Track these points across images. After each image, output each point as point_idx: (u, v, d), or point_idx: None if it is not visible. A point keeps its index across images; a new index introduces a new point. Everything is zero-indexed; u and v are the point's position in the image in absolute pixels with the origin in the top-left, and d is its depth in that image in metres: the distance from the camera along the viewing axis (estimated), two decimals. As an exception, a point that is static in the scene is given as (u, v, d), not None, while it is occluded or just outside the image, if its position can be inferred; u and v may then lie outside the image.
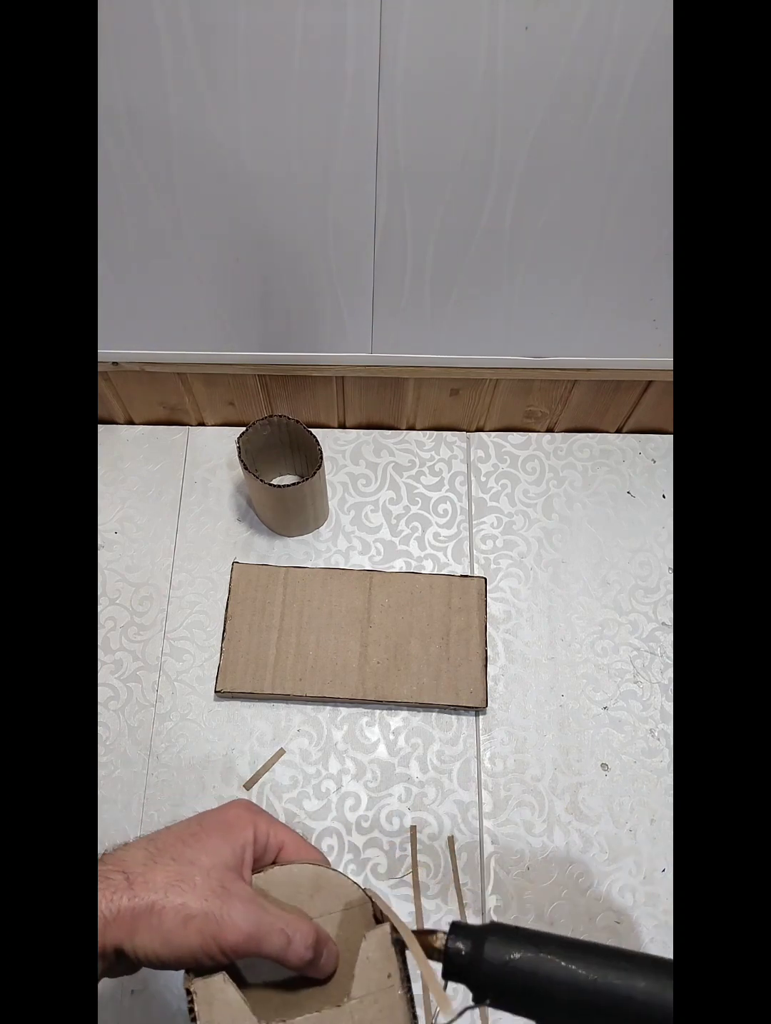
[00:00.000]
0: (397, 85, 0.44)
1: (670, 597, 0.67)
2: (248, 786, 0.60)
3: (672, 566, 0.69)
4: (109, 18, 0.41)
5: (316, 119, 0.46)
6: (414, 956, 0.34)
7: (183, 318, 0.61)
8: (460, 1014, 0.33)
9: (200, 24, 0.41)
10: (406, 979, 0.35)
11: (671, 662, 0.65)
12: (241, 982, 0.35)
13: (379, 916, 0.37)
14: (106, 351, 0.65)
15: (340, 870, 0.38)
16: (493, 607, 0.67)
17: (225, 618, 0.65)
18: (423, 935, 0.35)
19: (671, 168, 0.49)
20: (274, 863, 0.38)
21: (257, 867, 0.37)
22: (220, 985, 0.34)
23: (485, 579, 0.66)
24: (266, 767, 0.61)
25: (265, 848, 0.37)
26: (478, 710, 0.62)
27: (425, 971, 0.33)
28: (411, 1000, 0.35)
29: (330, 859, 0.58)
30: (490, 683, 0.64)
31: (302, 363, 0.66)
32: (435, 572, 0.68)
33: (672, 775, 0.61)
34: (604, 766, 0.61)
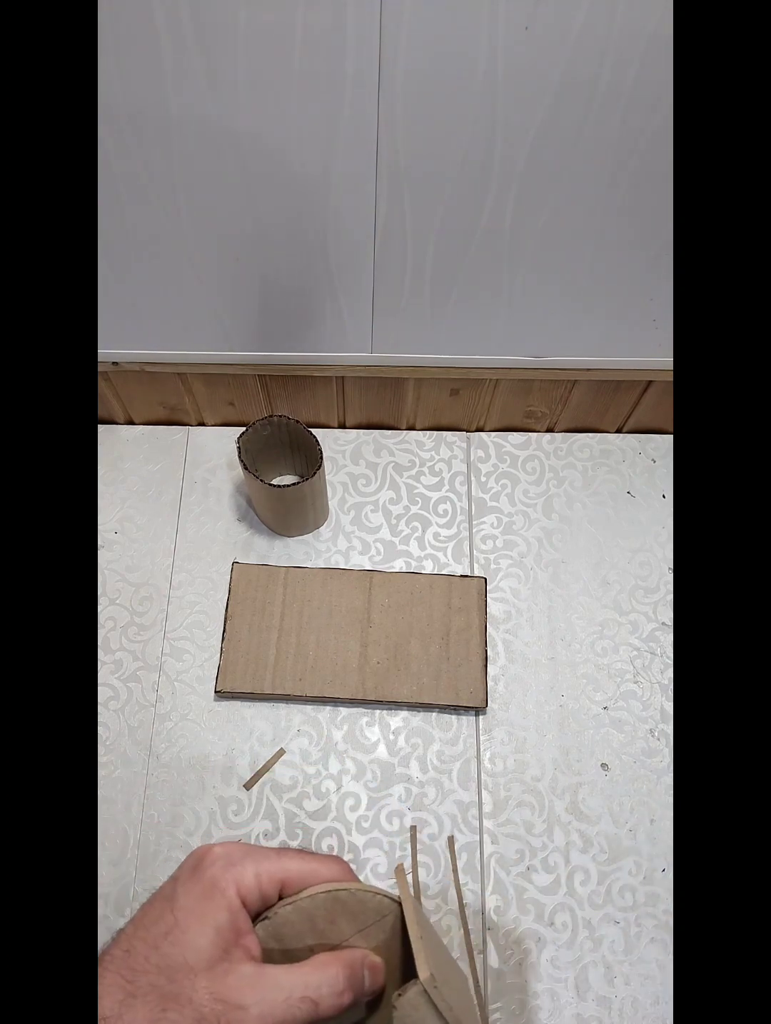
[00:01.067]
0: (397, 85, 0.44)
1: (670, 597, 0.67)
2: (248, 786, 0.60)
3: (672, 566, 0.69)
4: (109, 18, 0.41)
5: (316, 119, 0.46)
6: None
7: (183, 318, 0.61)
8: None
9: (200, 24, 0.41)
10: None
11: (671, 662, 0.65)
12: None
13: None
14: (106, 351, 0.65)
15: (361, 880, 0.34)
16: (493, 607, 0.67)
17: (225, 618, 0.65)
18: None
19: (671, 168, 0.49)
20: (280, 897, 0.33)
21: (261, 913, 0.33)
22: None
23: (485, 579, 0.66)
24: (266, 767, 0.61)
25: (262, 897, 0.32)
26: (478, 710, 0.62)
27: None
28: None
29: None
30: (490, 683, 0.64)
31: (302, 363, 0.66)
32: (435, 572, 0.68)
33: (672, 775, 0.61)
34: (604, 766, 0.61)
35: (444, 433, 0.74)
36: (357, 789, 0.60)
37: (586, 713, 0.63)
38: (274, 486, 0.62)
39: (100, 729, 0.62)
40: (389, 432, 0.74)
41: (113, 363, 0.66)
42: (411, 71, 0.43)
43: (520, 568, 0.68)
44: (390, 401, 0.71)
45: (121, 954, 0.30)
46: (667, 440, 0.74)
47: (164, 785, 0.60)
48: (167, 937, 0.30)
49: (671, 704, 0.63)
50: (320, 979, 0.30)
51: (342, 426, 0.75)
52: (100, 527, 0.70)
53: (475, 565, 0.69)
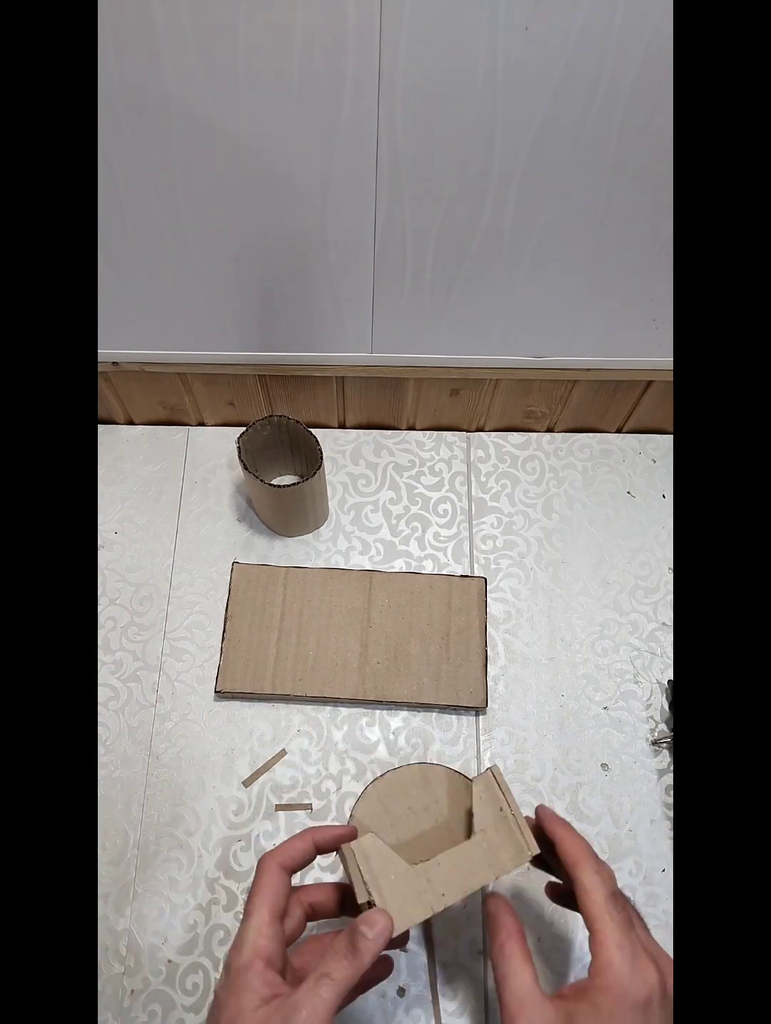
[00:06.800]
0: (397, 85, 0.44)
1: (670, 597, 0.67)
2: (247, 784, 0.60)
3: (672, 566, 0.69)
4: (109, 18, 0.41)
5: (316, 119, 0.46)
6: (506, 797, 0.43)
7: (183, 318, 0.61)
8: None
9: (200, 24, 0.41)
10: (513, 809, 0.43)
11: (671, 662, 0.65)
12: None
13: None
14: (106, 351, 0.65)
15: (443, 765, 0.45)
16: (493, 607, 0.67)
17: (225, 618, 0.65)
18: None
19: (671, 168, 0.49)
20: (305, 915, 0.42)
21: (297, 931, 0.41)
22: (372, 841, 0.39)
23: (485, 579, 0.66)
24: (266, 767, 0.61)
25: (285, 936, 0.39)
26: (478, 710, 0.62)
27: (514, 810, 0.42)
28: (519, 825, 0.42)
29: (330, 863, 0.58)
30: (490, 683, 0.64)
31: (302, 363, 0.66)
32: (435, 572, 0.68)
33: (672, 775, 0.61)
34: (604, 766, 0.61)
35: (444, 433, 0.74)
36: (357, 789, 0.60)
37: (586, 713, 0.63)
38: (274, 486, 0.62)
39: (100, 729, 0.62)
40: (389, 432, 0.74)
41: (113, 363, 0.66)
42: (411, 71, 0.43)
43: (520, 568, 0.68)
44: (390, 401, 0.71)
45: None
46: (667, 440, 0.74)
47: (164, 785, 0.60)
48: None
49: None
50: (330, 969, 0.36)
51: (342, 426, 0.75)
52: (100, 527, 0.70)
53: (475, 565, 0.69)
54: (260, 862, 0.40)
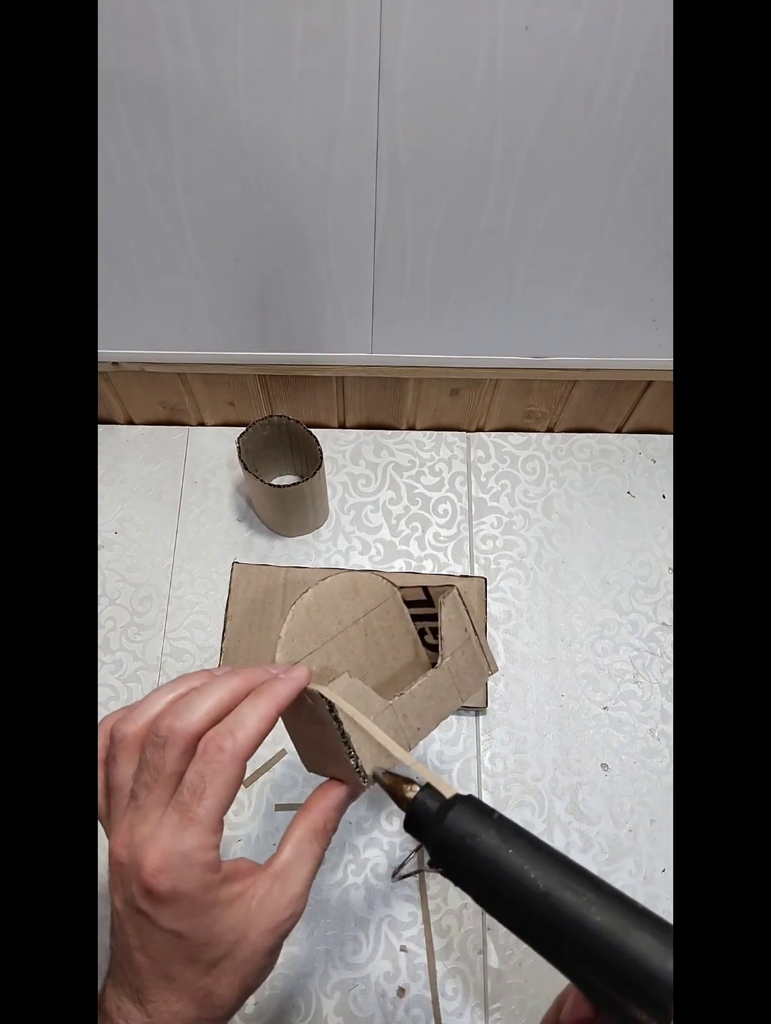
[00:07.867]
0: (397, 85, 0.44)
1: (670, 597, 0.67)
2: (247, 784, 0.60)
3: (672, 566, 0.69)
4: (109, 18, 0.41)
5: (316, 119, 0.46)
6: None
7: (183, 318, 0.61)
8: (413, 874, 0.35)
9: (200, 24, 0.41)
10: (475, 628, 0.41)
11: (671, 662, 0.65)
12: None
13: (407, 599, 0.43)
14: (106, 351, 0.65)
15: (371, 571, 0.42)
16: (493, 607, 0.67)
17: (225, 618, 0.65)
18: (398, 783, 0.35)
19: (671, 168, 0.49)
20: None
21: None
22: (348, 682, 0.36)
23: (485, 579, 0.66)
24: (266, 767, 0.61)
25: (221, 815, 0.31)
26: (478, 710, 0.62)
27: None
28: (481, 645, 0.41)
29: (330, 862, 0.58)
30: (490, 683, 0.64)
31: (302, 363, 0.66)
32: (435, 572, 0.68)
33: (672, 775, 0.61)
34: (604, 766, 0.61)
35: (444, 433, 0.74)
36: (357, 789, 0.60)
37: (586, 713, 0.63)
38: (274, 486, 0.62)
39: (100, 729, 0.62)
40: (389, 432, 0.74)
41: (113, 363, 0.66)
42: (411, 71, 0.43)
43: (520, 568, 0.68)
44: (390, 401, 0.71)
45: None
46: (667, 440, 0.74)
47: (164, 785, 0.60)
48: (200, 958, 0.31)
49: (671, 704, 0.63)
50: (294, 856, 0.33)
51: (342, 426, 0.75)
52: (100, 527, 0.70)
53: (475, 565, 0.69)
54: (220, 754, 0.30)
